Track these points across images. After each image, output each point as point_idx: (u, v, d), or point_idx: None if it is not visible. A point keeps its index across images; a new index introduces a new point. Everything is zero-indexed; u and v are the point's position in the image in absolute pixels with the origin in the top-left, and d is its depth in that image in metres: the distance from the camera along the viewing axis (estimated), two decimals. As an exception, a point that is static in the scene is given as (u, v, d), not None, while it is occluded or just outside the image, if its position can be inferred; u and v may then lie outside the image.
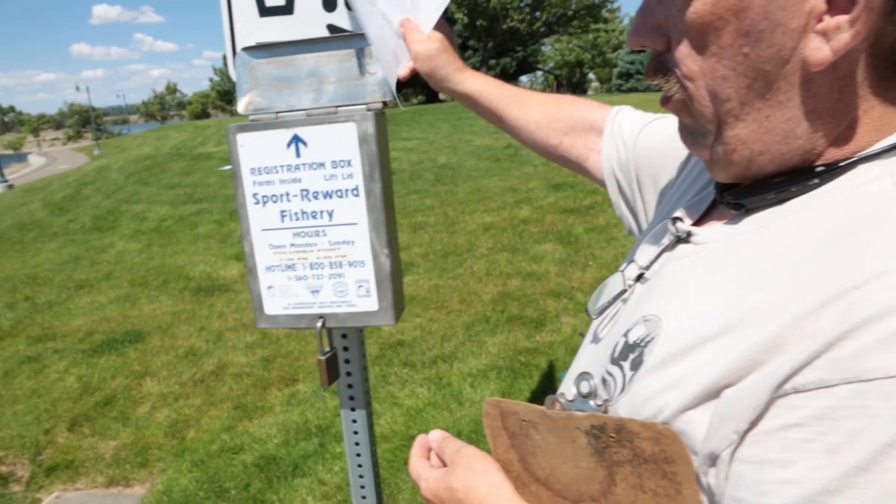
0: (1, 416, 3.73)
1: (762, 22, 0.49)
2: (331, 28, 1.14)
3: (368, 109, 1.08)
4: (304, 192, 1.09)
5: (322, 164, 1.07)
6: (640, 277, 0.67)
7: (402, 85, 1.07)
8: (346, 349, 1.27)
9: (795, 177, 0.54)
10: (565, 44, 49.90)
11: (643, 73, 0.62)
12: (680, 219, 0.66)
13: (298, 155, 1.08)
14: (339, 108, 1.09)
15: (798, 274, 0.48)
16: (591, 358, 0.68)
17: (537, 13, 33.00)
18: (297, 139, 1.07)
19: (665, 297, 0.59)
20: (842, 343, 0.41)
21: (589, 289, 4.51)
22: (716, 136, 0.56)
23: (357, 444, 1.33)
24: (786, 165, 0.54)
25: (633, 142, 0.94)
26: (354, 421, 1.31)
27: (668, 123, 0.91)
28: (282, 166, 1.09)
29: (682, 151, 0.84)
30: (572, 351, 3.62)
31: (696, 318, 0.53)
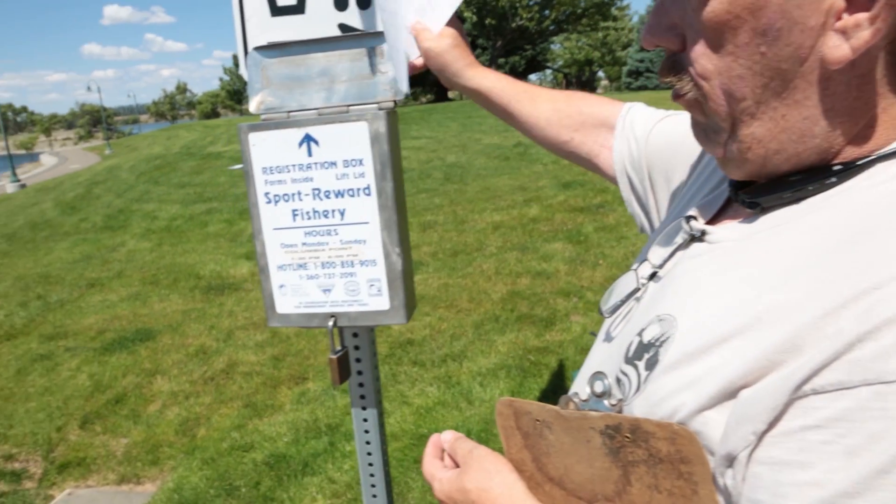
0: (14, 414, 3.76)
1: (779, 20, 0.48)
2: (342, 27, 1.14)
3: (380, 108, 1.08)
4: (316, 192, 1.09)
5: (334, 164, 1.07)
6: (653, 276, 0.67)
7: (411, 83, 1.06)
8: (357, 348, 1.27)
9: (812, 175, 0.54)
10: (574, 42, 49.77)
11: (657, 73, 0.61)
12: (694, 217, 0.66)
13: (310, 154, 1.08)
14: (351, 108, 1.09)
15: (816, 273, 0.47)
16: (604, 357, 0.68)
17: (546, 11, 32.94)
18: (308, 138, 1.07)
19: (680, 297, 0.59)
20: (862, 344, 0.41)
21: (599, 288, 4.50)
22: (730, 134, 0.56)
23: (368, 442, 1.33)
24: (802, 164, 0.54)
25: (645, 139, 0.93)
26: (365, 420, 1.31)
27: (681, 120, 0.90)
28: (293, 165, 1.09)
29: (695, 148, 0.83)
30: (582, 350, 3.62)
31: (711, 317, 0.53)
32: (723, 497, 0.49)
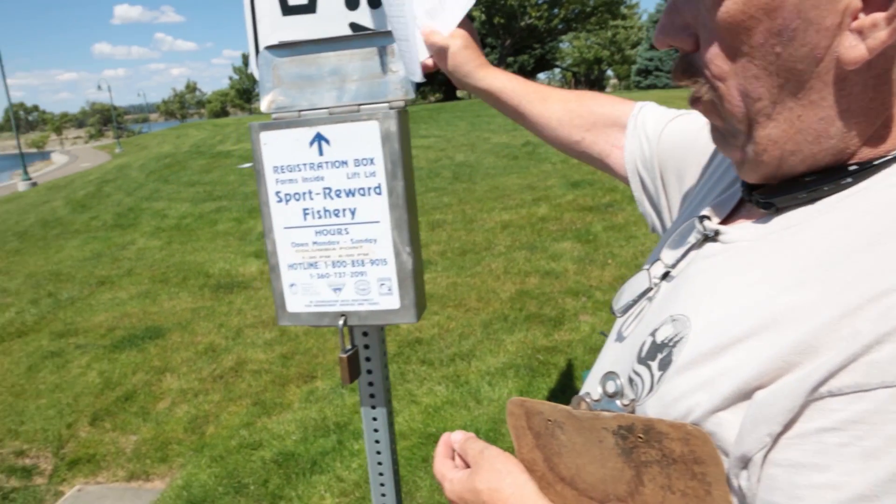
0: (25, 410, 3.78)
1: (795, 21, 0.48)
2: (353, 26, 1.14)
3: (391, 108, 1.08)
4: (327, 191, 1.09)
5: (345, 163, 1.07)
6: (665, 276, 0.67)
7: (420, 82, 1.07)
8: (366, 347, 1.27)
9: (828, 176, 0.53)
10: (583, 41, 49.63)
11: (671, 75, 0.61)
12: (707, 217, 0.65)
13: (321, 153, 1.08)
14: (362, 107, 1.09)
15: (832, 274, 0.47)
16: (616, 357, 0.68)
17: (555, 10, 32.85)
18: (319, 137, 1.07)
19: (693, 297, 0.58)
20: (880, 346, 0.40)
21: (608, 287, 4.49)
22: (747, 136, 0.55)
23: (377, 441, 1.33)
24: (817, 165, 0.54)
25: (657, 138, 0.93)
26: (375, 419, 1.32)
27: (693, 119, 0.89)
28: (304, 164, 1.09)
29: (707, 148, 0.83)
30: (591, 350, 3.61)
31: (726, 318, 0.52)
32: (737, 498, 0.48)
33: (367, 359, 1.28)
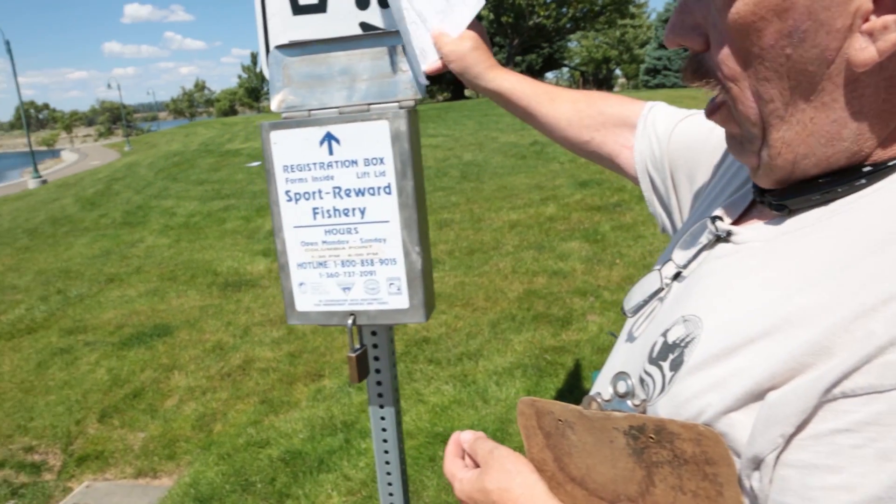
0: (34, 407, 3.81)
1: (805, 22, 0.48)
2: (363, 26, 1.15)
3: (401, 107, 1.08)
4: (337, 190, 1.09)
5: (354, 162, 1.07)
6: (677, 276, 0.66)
7: (428, 82, 1.07)
8: (375, 346, 1.28)
9: (841, 177, 0.53)
10: (592, 40, 49.55)
11: (681, 76, 0.60)
12: (720, 217, 0.65)
13: (331, 153, 1.08)
14: (372, 106, 1.09)
15: (845, 275, 0.47)
16: (626, 357, 0.67)
17: (563, 9, 32.77)
18: (329, 137, 1.08)
19: (705, 297, 0.58)
20: (894, 348, 0.40)
21: (616, 287, 4.48)
22: (762, 140, 0.55)
23: (385, 440, 1.34)
24: (831, 168, 0.53)
25: (667, 138, 0.92)
26: (383, 418, 1.32)
27: (704, 119, 0.89)
28: (314, 164, 1.09)
29: (718, 147, 0.82)
30: (599, 350, 3.60)
31: (738, 318, 0.52)
32: (749, 499, 0.48)
33: (376, 358, 1.29)
